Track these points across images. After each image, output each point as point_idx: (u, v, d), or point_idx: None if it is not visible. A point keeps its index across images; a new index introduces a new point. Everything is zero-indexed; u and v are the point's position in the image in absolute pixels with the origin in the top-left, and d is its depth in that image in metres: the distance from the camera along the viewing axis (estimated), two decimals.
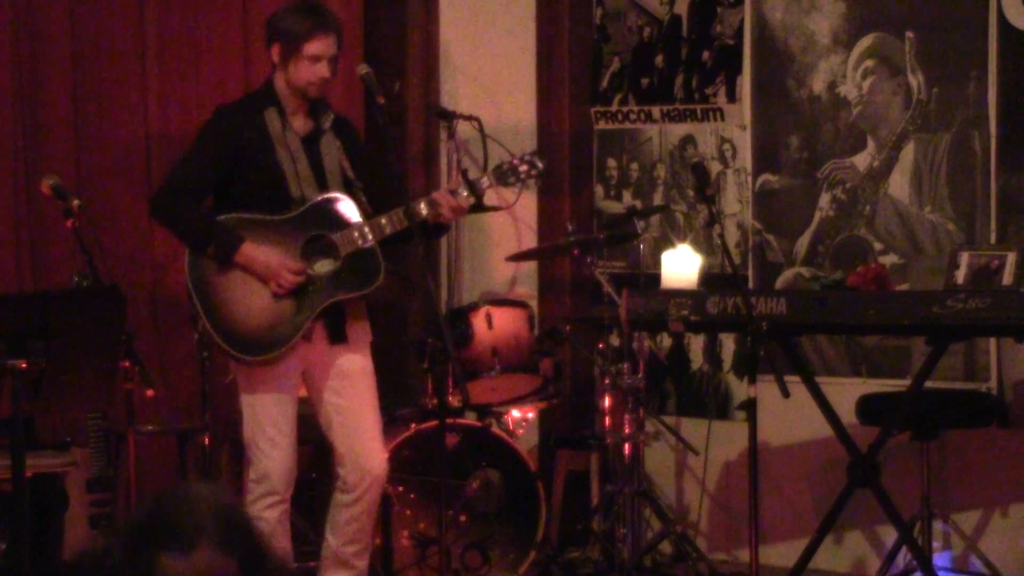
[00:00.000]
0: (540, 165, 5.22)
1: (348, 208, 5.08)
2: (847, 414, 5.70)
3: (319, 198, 5.09)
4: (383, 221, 5.03)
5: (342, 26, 5.21)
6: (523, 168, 5.20)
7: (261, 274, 5.03)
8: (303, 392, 5.27)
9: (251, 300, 5.05)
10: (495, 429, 6.03)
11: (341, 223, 5.06)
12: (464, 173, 5.22)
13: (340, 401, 5.15)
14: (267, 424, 5.09)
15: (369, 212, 5.11)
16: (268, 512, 5.09)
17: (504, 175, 5.20)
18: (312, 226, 5.07)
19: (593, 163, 6.92)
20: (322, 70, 5.05)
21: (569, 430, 6.69)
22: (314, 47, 5.03)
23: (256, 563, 2.39)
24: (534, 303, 6.70)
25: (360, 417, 5.15)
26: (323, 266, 5.07)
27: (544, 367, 6.14)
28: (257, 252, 5.03)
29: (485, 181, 5.18)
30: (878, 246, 6.20)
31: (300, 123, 5.15)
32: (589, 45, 6.90)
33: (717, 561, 6.34)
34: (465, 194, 5.10)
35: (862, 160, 6.25)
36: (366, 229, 5.03)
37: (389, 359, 6.11)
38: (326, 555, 5.25)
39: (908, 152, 6.15)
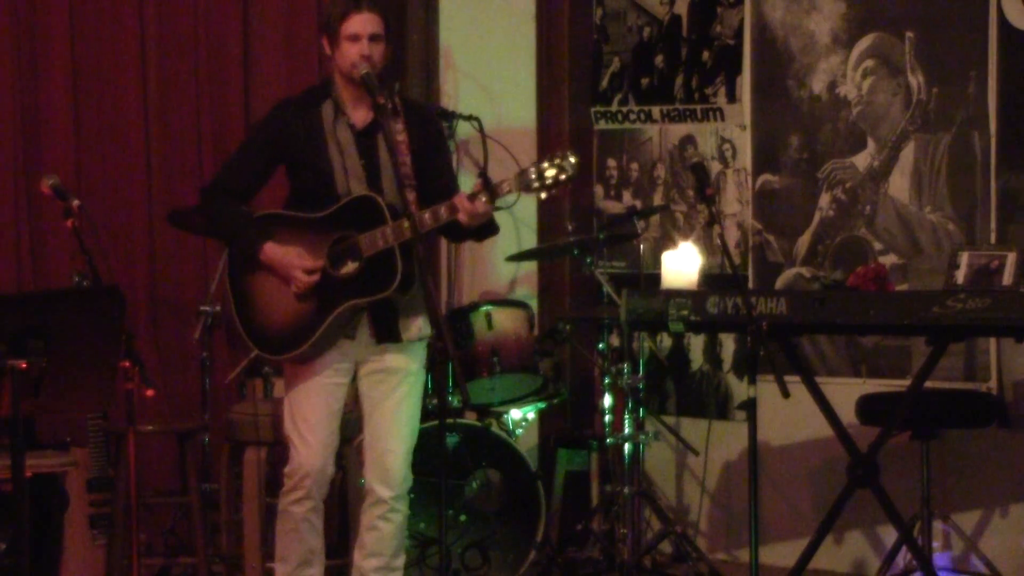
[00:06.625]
0: (570, 170, 4.76)
1: (378, 208, 4.90)
2: (847, 414, 5.70)
3: (352, 197, 4.95)
4: (405, 224, 4.81)
5: (386, 9, 5.02)
6: (550, 173, 4.76)
7: (281, 274, 4.98)
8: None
9: (277, 299, 4.99)
10: (495, 429, 6.03)
11: (370, 223, 4.90)
12: (485, 177, 5.03)
13: (375, 395, 5.08)
14: (299, 421, 5.05)
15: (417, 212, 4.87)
16: (295, 507, 5.06)
17: (528, 182, 4.79)
18: (342, 226, 4.94)
19: (593, 163, 6.91)
20: (363, 48, 4.89)
21: (569, 430, 6.69)
22: (351, 26, 4.90)
23: None
24: (534, 303, 6.70)
25: (390, 416, 5.07)
26: (347, 268, 4.94)
27: (544, 367, 6.14)
28: (277, 252, 4.96)
29: (505, 187, 4.83)
30: (878, 246, 6.20)
31: (361, 116, 5.01)
32: (589, 45, 6.90)
33: (717, 561, 6.34)
34: (484, 199, 4.83)
35: (862, 160, 6.25)
36: (388, 231, 4.86)
37: None
38: None
39: (908, 152, 6.15)
